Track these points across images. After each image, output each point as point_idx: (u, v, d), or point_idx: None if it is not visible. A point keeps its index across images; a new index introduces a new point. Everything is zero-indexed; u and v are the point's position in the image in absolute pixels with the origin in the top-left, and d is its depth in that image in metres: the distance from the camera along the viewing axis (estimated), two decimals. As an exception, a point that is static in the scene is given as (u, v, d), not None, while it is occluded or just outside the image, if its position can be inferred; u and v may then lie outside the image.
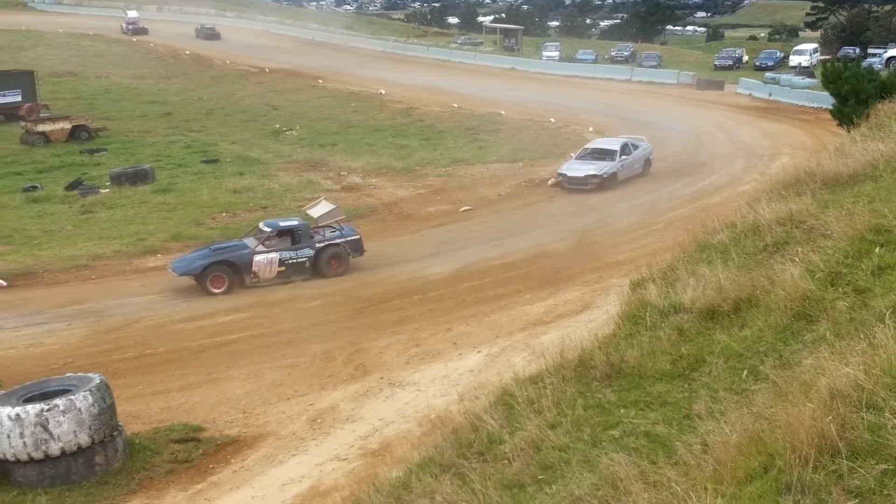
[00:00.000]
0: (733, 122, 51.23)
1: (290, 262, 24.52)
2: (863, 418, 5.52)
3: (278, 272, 24.36)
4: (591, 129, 48.80)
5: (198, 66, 76.97)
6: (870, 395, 5.65)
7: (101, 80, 68.01)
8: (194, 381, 18.12)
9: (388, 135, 48.60)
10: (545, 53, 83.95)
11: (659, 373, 8.49)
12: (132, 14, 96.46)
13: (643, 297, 10.44)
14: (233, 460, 14.82)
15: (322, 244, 24.94)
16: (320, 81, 68.84)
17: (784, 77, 64.80)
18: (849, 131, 19.32)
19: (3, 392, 14.68)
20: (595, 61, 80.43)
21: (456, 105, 57.74)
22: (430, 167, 39.71)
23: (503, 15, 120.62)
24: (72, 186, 35.71)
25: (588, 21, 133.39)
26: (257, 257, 24.20)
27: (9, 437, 13.57)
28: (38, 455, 13.62)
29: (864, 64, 38.75)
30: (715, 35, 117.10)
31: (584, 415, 8.12)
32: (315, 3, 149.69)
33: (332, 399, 16.93)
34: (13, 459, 13.67)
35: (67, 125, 46.80)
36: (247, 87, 67.46)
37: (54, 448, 13.66)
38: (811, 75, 62.87)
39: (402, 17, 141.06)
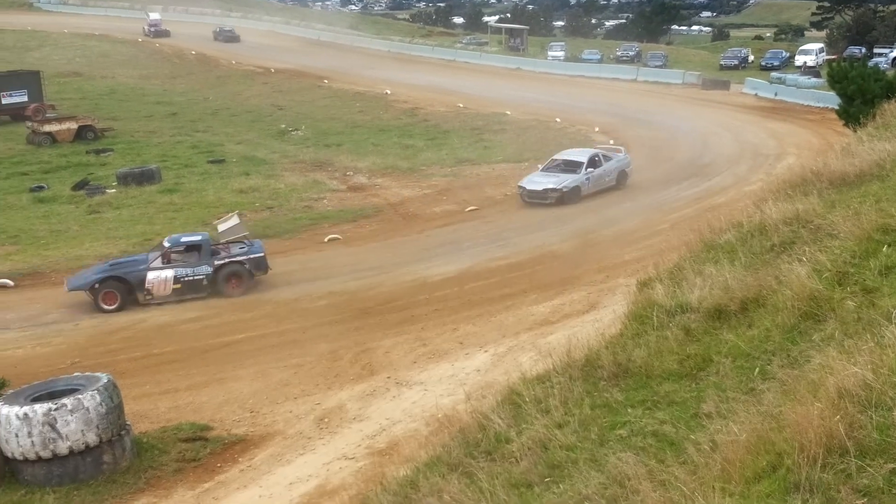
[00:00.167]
0: (739, 121, 51.15)
1: (185, 279, 23.34)
2: (871, 417, 5.54)
3: (173, 290, 23.23)
4: (596, 128, 48.78)
5: (203, 66, 77.01)
6: (878, 395, 5.66)
7: (106, 81, 68.05)
8: (201, 381, 18.16)
9: (393, 135, 48.60)
10: (550, 53, 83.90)
11: (666, 372, 8.50)
12: (154, 16, 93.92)
13: (650, 297, 10.45)
14: (240, 459, 14.85)
15: (222, 261, 23.77)
16: (326, 81, 68.86)
17: (790, 77, 64.71)
18: (855, 131, 19.32)
19: (11, 391, 14.72)
20: (600, 61, 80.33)
21: (461, 105, 57.72)
22: (435, 167, 39.70)
23: (508, 15, 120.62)
24: (78, 186, 35.77)
25: (593, 21, 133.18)
26: (150, 274, 23.17)
27: (17, 436, 13.61)
28: (46, 454, 13.66)
29: (871, 63, 38.65)
30: (720, 35, 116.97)
31: (592, 414, 8.14)
32: (320, 4, 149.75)
33: (338, 398, 16.95)
34: (21, 458, 13.72)
35: (73, 125, 46.86)
36: (252, 87, 67.48)
37: (62, 447, 13.69)
38: (817, 75, 62.74)
39: (407, 17, 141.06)
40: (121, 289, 22.95)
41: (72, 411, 13.74)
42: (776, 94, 60.11)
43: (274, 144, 46.26)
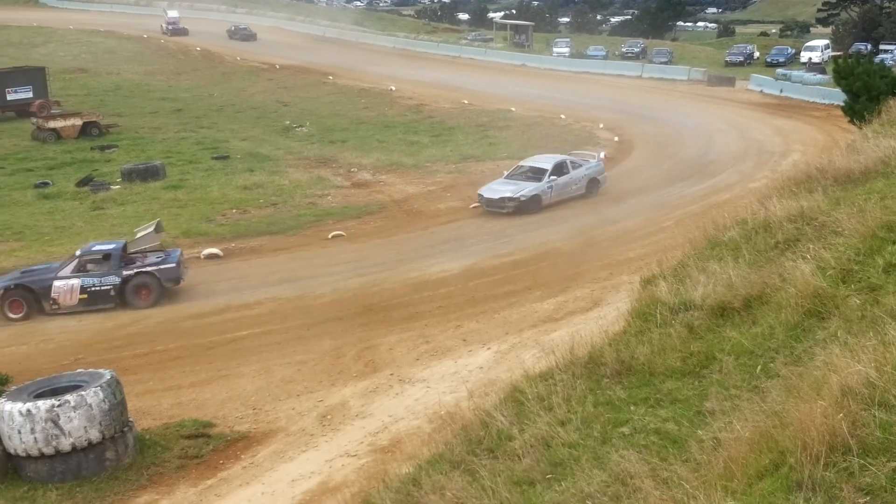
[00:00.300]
0: (744, 118, 51.08)
1: (92, 289, 22.67)
2: (874, 416, 5.50)
3: (80, 299, 22.61)
4: (601, 125, 48.76)
5: (208, 62, 77.07)
6: (882, 393, 5.63)
7: (111, 77, 68.14)
8: (204, 378, 18.17)
9: (398, 131, 48.58)
10: (556, 50, 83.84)
11: (669, 370, 8.48)
12: (173, 14, 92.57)
13: (653, 294, 10.43)
14: (243, 456, 14.86)
15: (131, 272, 23.09)
16: (330, 78, 68.86)
17: (795, 73, 64.61)
18: (860, 128, 19.25)
19: (14, 388, 14.73)
20: (605, 57, 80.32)
21: (466, 101, 57.69)
22: (440, 164, 39.68)
23: (514, 11, 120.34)
24: (83, 183, 35.81)
25: (598, 17, 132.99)
26: (56, 283, 22.54)
27: (20, 432, 13.63)
28: (48, 450, 13.68)
29: (876, 60, 38.60)
30: (726, 31, 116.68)
31: (595, 412, 8.12)
32: (325, 0, 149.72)
33: (341, 395, 16.95)
34: (24, 455, 13.74)
35: (78, 122, 46.89)
36: (257, 83, 67.51)
37: (65, 443, 13.71)
38: (822, 71, 62.67)
39: (412, 13, 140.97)
40: (27, 297, 22.45)
41: (75, 408, 13.75)
42: (781, 91, 60.04)
43: (278, 141, 46.27)
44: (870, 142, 13.81)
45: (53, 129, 46.05)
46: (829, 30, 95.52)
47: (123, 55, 77.87)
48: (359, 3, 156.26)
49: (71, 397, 13.81)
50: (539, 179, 31.55)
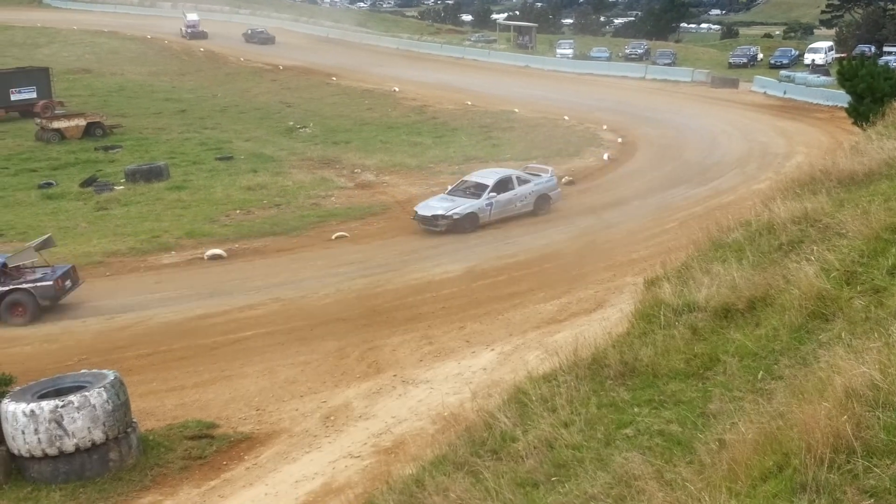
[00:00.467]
0: (748, 120, 51.05)
1: None
2: (878, 417, 5.51)
3: None
4: (604, 126, 48.74)
5: (212, 63, 77.13)
6: (886, 395, 5.63)
7: (115, 77, 68.21)
8: (208, 378, 18.17)
9: (401, 132, 48.61)
10: (559, 51, 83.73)
11: (673, 371, 8.47)
12: (192, 17, 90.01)
13: (657, 296, 10.43)
14: (246, 457, 14.86)
15: (7, 287, 22.06)
16: (334, 79, 68.89)
17: (799, 75, 64.54)
18: (864, 129, 19.24)
19: (18, 388, 14.73)
20: (609, 59, 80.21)
21: (469, 103, 57.70)
22: (443, 165, 39.69)
23: (517, 12, 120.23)
24: (86, 183, 35.85)
25: (602, 19, 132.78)
26: None
27: (23, 433, 13.64)
28: (52, 451, 13.69)
29: (880, 62, 38.56)
30: (729, 33, 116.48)
31: (598, 413, 8.11)
32: (329, 1, 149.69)
33: (345, 396, 16.94)
34: (28, 455, 13.75)
35: (82, 122, 46.95)
36: (261, 84, 67.57)
37: (68, 444, 13.72)
38: (826, 73, 62.58)
39: (415, 14, 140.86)
40: None
41: (78, 408, 13.76)
42: (785, 93, 59.98)
43: (282, 141, 46.31)
44: (874, 144, 13.80)
45: (57, 130, 46.11)
46: (832, 31, 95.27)
47: (127, 56, 77.93)
48: (362, 5, 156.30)
49: (74, 398, 13.81)
50: (479, 196, 29.76)
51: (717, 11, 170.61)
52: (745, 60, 77.62)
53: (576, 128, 48.97)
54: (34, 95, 52.43)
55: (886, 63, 38.69)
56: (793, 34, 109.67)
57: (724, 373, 8.01)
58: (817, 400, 5.80)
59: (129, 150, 43.55)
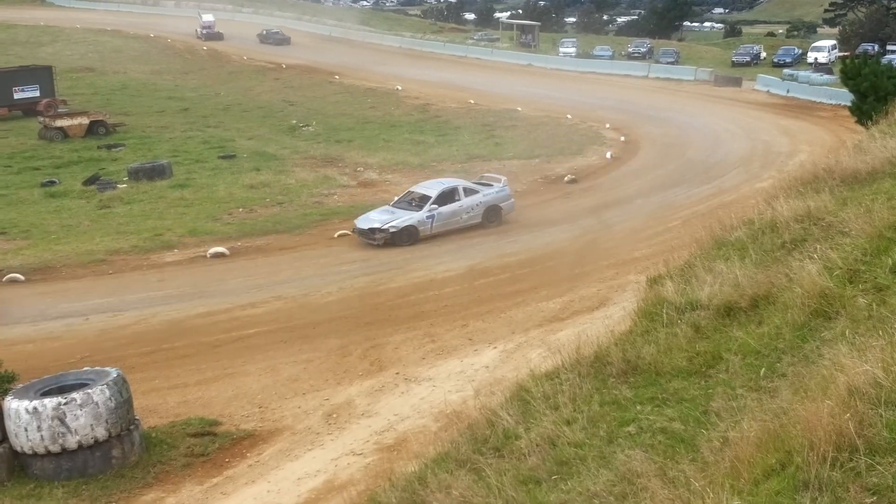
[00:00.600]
0: (751, 118, 51.04)
1: None
2: (881, 415, 5.50)
3: None
4: (607, 125, 48.75)
5: (215, 62, 77.15)
6: (888, 393, 5.63)
7: (118, 76, 68.25)
8: (211, 376, 18.17)
9: (404, 131, 48.61)
10: (562, 50, 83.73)
11: (675, 369, 8.48)
12: (207, 18, 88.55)
13: (660, 294, 10.43)
14: (248, 454, 14.86)
15: None
16: (337, 77, 68.91)
17: (802, 74, 64.53)
18: (868, 128, 19.23)
19: (21, 385, 14.72)
20: (612, 57, 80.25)
21: (472, 101, 57.70)
22: (446, 163, 39.68)
23: (520, 11, 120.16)
24: (89, 181, 35.87)
25: (605, 17, 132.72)
26: None
27: (26, 430, 13.64)
28: (55, 448, 13.69)
29: (884, 60, 38.51)
30: (732, 31, 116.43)
31: (601, 411, 8.12)
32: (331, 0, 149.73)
33: (347, 394, 16.95)
34: (31, 452, 13.74)
35: (85, 120, 46.98)
36: (264, 83, 67.60)
37: (71, 441, 13.72)
38: (829, 72, 62.55)
39: (418, 13, 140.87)
40: None
41: (81, 406, 13.76)
42: (788, 91, 59.97)
43: (285, 140, 46.32)
44: (877, 142, 13.79)
45: (60, 128, 46.14)
46: (835, 30, 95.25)
47: (130, 54, 77.99)
48: (365, 3, 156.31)
49: (77, 395, 13.82)
50: (421, 208, 28.60)
51: (721, 10, 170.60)
52: (748, 59, 77.67)
53: (578, 126, 48.96)
54: (37, 94, 52.46)
55: (890, 62, 38.58)
56: (796, 33, 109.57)
57: (726, 371, 8.02)
58: (820, 398, 5.80)
59: (131, 149, 43.55)
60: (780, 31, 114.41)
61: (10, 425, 13.78)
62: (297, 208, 32.12)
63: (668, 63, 75.45)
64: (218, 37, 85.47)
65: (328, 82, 67.34)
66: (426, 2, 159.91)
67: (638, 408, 7.98)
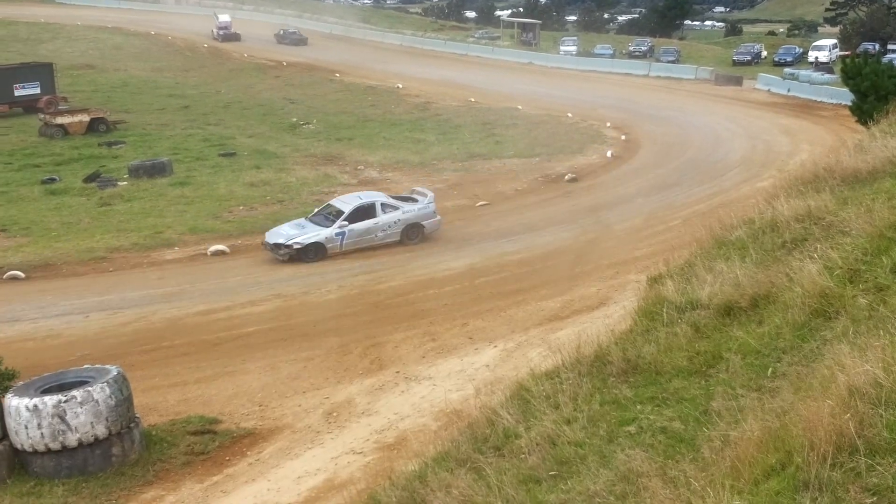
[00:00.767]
0: (751, 117, 51.03)
1: None
2: (881, 416, 5.50)
3: None
4: (608, 123, 48.73)
5: (216, 59, 77.11)
6: (889, 393, 5.62)
7: (119, 73, 68.22)
8: (211, 374, 18.19)
9: (404, 129, 48.60)
10: (563, 48, 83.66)
11: (676, 369, 8.47)
12: (224, 18, 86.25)
13: (660, 293, 10.42)
14: (249, 453, 14.88)
15: None
16: (337, 75, 68.89)
17: (803, 73, 64.49)
18: (868, 128, 19.21)
19: (21, 383, 14.74)
20: (613, 56, 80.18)
21: (473, 99, 57.69)
22: (446, 161, 39.70)
23: (521, 9, 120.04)
24: (90, 179, 35.87)
25: (606, 16, 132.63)
26: None
27: (27, 427, 13.65)
28: (55, 446, 13.70)
29: (885, 60, 38.49)
30: (733, 30, 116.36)
31: (601, 410, 8.11)
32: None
33: (347, 392, 16.96)
34: (31, 450, 13.76)
35: (86, 118, 46.97)
36: (264, 80, 67.57)
37: (71, 439, 13.73)
38: (830, 71, 62.53)
39: (419, 11, 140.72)
40: None
41: (81, 403, 13.77)
42: (789, 90, 59.96)
43: (285, 138, 46.31)
44: (877, 141, 13.78)
45: (61, 125, 46.12)
46: (836, 29, 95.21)
47: (131, 51, 77.94)
48: (366, 1, 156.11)
49: (77, 393, 13.83)
50: (332, 223, 27.21)
51: (721, 9, 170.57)
52: (748, 58, 77.61)
53: (579, 125, 48.95)
54: (38, 91, 52.49)
55: (890, 61, 38.53)
56: (797, 32, 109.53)
57: (726, 370, 8.01)
58: (820, 397, 5.80)
59: (132, 146, 43.54)
60: (781, 30, 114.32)
61: (11, 423, 13.80)
62: (298, 206, 32.08)
63: (668, 62, 75.42)
64: (235, 37, 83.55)
65: (329, 80, 67.31)
66: (427, 0, 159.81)
67: (638, 407, 7.97)
